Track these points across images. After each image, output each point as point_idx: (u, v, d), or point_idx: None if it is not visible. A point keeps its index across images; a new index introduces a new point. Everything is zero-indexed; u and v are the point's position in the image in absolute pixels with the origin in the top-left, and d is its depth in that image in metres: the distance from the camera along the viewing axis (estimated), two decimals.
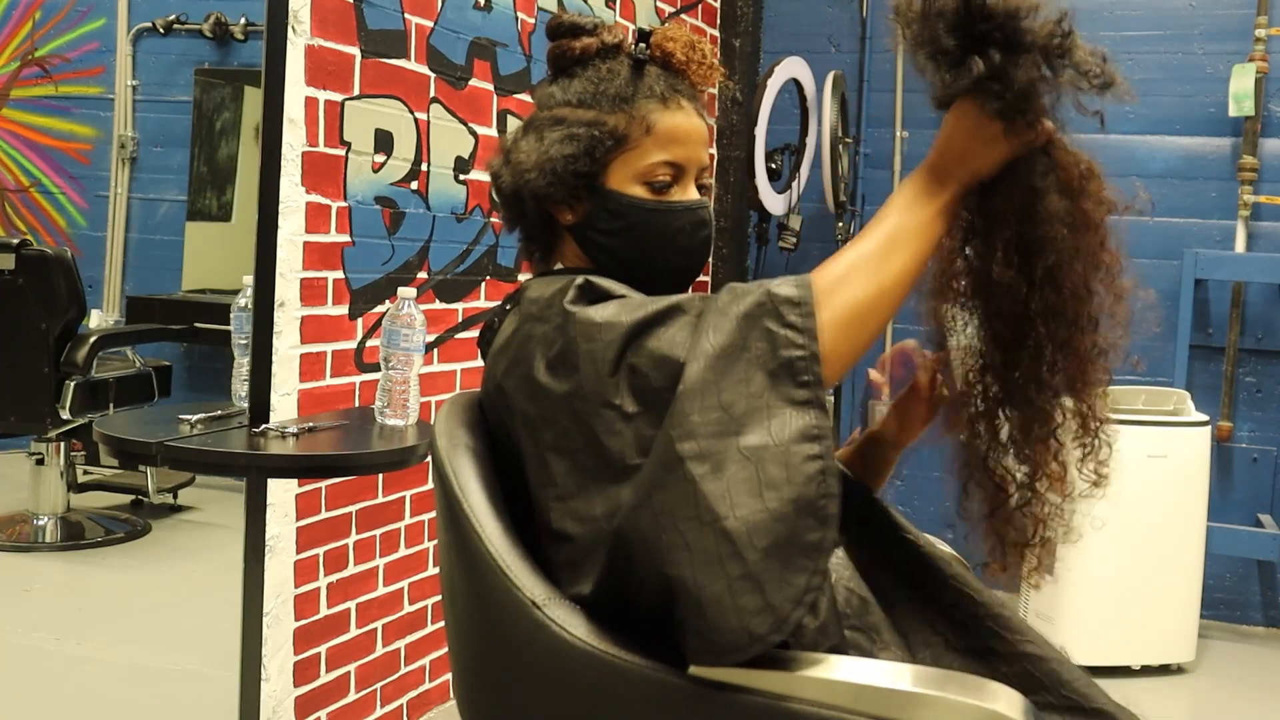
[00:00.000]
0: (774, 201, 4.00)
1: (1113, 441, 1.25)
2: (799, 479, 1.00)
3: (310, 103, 2.24)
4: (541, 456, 1.14)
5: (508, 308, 1.28)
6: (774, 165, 4.00)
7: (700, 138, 1.29)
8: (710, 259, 1.42)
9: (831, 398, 3.93)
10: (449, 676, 1.99)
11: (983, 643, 1.32)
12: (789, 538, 0.99)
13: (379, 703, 2.59)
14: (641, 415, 1.07)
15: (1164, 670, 3.37)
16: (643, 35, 1.30)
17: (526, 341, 1.17)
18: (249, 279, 2.12)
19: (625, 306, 1.12)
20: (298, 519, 2.30)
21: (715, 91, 3.99)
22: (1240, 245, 3.76)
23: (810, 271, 1.10)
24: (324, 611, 2.40)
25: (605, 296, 1.16)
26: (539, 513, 1.16)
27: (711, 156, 1.34)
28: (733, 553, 0.98)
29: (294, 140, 2.20)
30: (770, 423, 1.01)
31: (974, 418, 1.25)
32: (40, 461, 3.96)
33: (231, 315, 2.20)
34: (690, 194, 1.29)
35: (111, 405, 3.81)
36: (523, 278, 2.95)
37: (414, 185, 2.58)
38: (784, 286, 1.06)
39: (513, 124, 2.90)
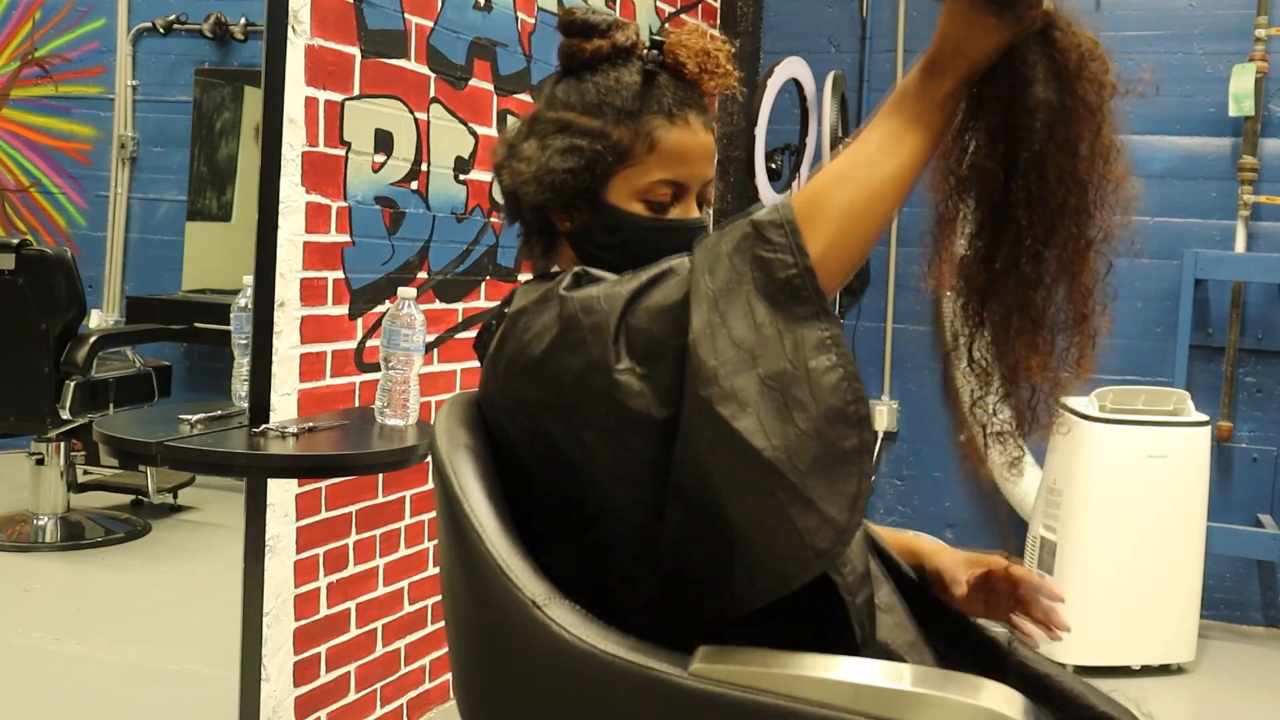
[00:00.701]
0: (774, 201, 4.00)
1: (1098, 336, 1.22)
2: (823, 392, 1.00)
3: (310, 103, 2.24)
4: (577, 435, 1.12)
5: (505, 309, 1.28)
6: (774, 165, 4.00)
7: (706, 154, 1.28)
8: None
9: None
10: (449, 676, 1.99)
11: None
12: (828, 450, 1.00)
13: (379, 703, 2.60)
14: (656, 369, 1.07)
15: (1164, 670, 3.37)
16: (655, 44, 1.28)
17: (524, 334, 1.16)
18: (249, 279, 2.12)
19: (620, 280, 1.12)
20: (298, 519, 2.30)
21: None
22: (1240, 245, 3.76)
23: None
24: (324, 611, 2.40)
25: (599, 281, 1.15)
26: (569, 499, 1.15)
27: (715, 169, 1.33)
28: (780, 481, 0.99)
29: (294, 140, 2.20)
30: (784, 346, 1.02)
31: (960, 307, 1.23)
32: (40, 461, 3.96)
33: (231, 315, 2.20)
34: (690, 212, 1.27)
35: (111, 405, 3.81)
36: (523, 278, 2.96)
37: (414, 185, 2.58)
38: (765, 211, 1.06)
39: (513, 124, 2.89)
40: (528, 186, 1.24)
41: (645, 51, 1.27)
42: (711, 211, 1.34)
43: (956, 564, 1.41)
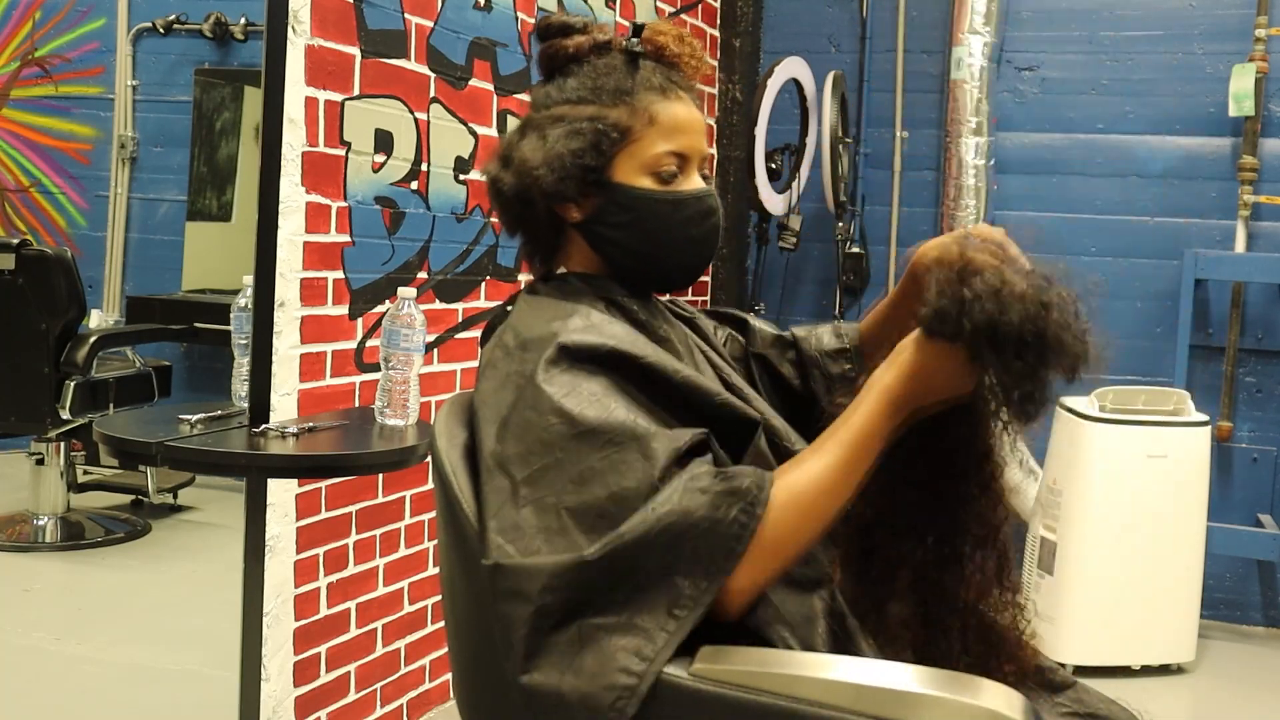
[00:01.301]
0: (774, 201, 4.00)
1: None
2: (603, 682, 1.03)
3: (310, 103, 2.24)
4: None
5: (509, 309, 1.28)
6: (774, 165, 4.00)
7: (700, 127, 1.29)
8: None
9: None
10: (449, 676, 1.99)
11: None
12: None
13: (379, 703, 2.59)
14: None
15: (1164, 670, 3.37)
16: (635, 30, 1.30)
17: (497, 379, 1.18)
18: (249, 279, 2.12)
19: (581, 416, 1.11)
20: (298, 519, 2.30)
21: (715, 91, 3.99)
22: (1240, 245, 3.76)
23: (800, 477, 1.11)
24: (324, 611, 2.40)
25: (586, 358, 1.14)
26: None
27: (711, 156, 1.34)
28: (503, 697, 1.04)
29: (294, 140, 2.20)
30: (620, 623, 1.04)
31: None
32: (40, 461, 3.96)
33: (231, 315, 2.20)
34: (696, 183, 1.29)
35: (111, 405, 3.81)
36: (523, 278, 2.96)
37: (414, 185, 2.58)
38: (734, 538, 1.05)
39: (513, 124, 2.89)
40: (539, 171, 1.24)
41: (626, 40, 1.30)
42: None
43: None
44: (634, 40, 1.29)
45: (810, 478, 1.11)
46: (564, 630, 1.04)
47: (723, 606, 1.07)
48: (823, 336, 1.48)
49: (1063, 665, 1.40)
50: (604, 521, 1.05)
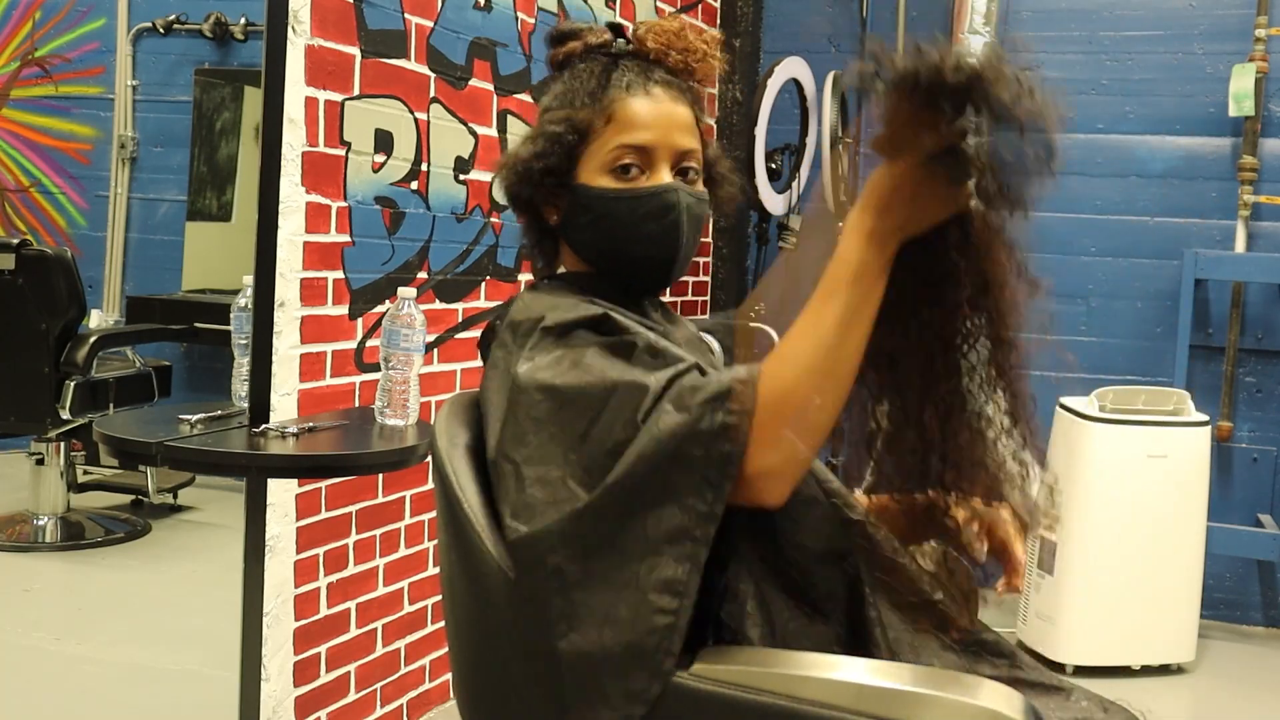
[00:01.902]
0: (774, 201, 4.00)
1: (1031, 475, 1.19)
2: (643, 627, 1.02)
3: (310, 103, 2.24)
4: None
5: (508, 309, 1.29)
6: (774, 165, 4.00)
7: (674, 121, 1.26)
8: (711, 257, 1.42)
9: None
10: (449, 676, 1.99)
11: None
12: (611, 678, 1.01)
13: (379, 703, 2.59)
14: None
15: (1164, 670, 3.36)
16: (614, 30, 1.31)
17: (496, 379, 1.19)
18: (249, 279, 2.12)
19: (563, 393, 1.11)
20: (298, 519, 2.30)
21: (715, 91, 3.99)
22: (1240, 245, 3.76)
23: (772, 359, 1.06)
24: (324, 611, 2.40)
25: (565, 330, 1.15)
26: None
27: (699, 149, 1.32)
28: (553, 670, 1.02)
29: (294, 140, 2.20)
30: (643, 563, 1.03)
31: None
32: (40, 461, 3.96)
33: (231, 315, 2.20)
34: (662, 178, 1.25)
35: (111, 405, 3.81)
36: (523, 278, 2.96)
37: (414, 185, 2.58)
38: (719, 440, 1.02)
39: (513, 124, 2.90)
40: (501, 173, 1.28)
41: (613, 41, 1.30)
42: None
43: None
44: (619, 41, 1.30)
45: (800, 334, 1.06)
46: (588, 586, 1.03)
47: (758, 496, 1.04)
48: None
49: (1063, 665, 1.40)
50: (601, 473, 1.05)
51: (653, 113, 1.25)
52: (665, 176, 1.25)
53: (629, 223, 1.24)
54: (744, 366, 1.07)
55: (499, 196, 1.32)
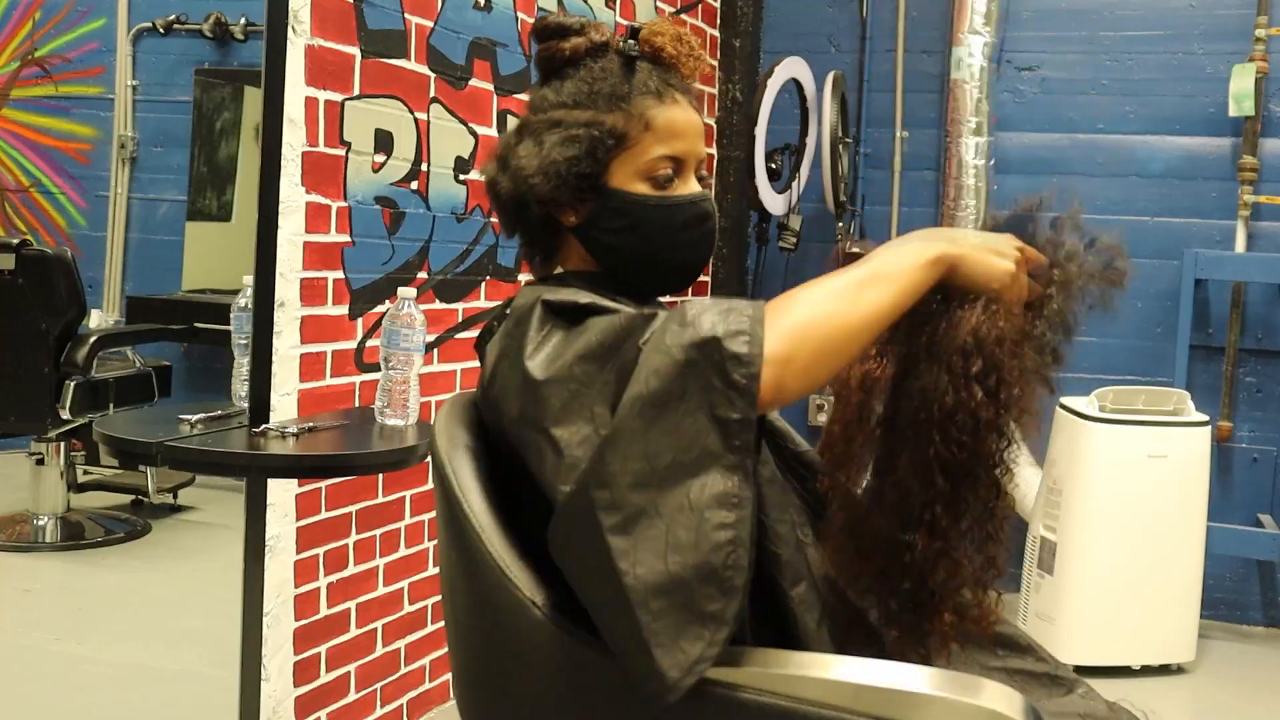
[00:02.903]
0: (774, 201, 4.00)
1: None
2: (707, 546, 0.98)
3: (310, 103, 2.24)
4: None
5: (508, 310, 1.28)
6: (774, 165, 4.00)
7: (697, 131, 1.29)
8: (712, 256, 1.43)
9: None
10: (449, 676, 1.99)
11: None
12: (687, 604, 0.98)
13: (379, 703, 2.60)
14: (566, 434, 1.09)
15: (1164, 670, 3.37)
16: (632, 32, 1.30)
17: (501, 359, 1.19)
18: (249, 279, 2.12)
19: (569, 343, 1.11)
20: (298, 519, 2.30)
21: (715, 91, 3.99)
22: (1240, 245, 3.76)
23: (793, 289, 1.08)
24: (324, 611, 2.40)
25: (567, 310, 1.15)
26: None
27: (710, 156, 1.34)
28: (627, 611, 0.98)
29: (294, 140, 2.20)
30: (692, 482, 0.99)
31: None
32: (40, 461, 3.96)
33: (231, 315, 2.20)
34: (691, 187, 1.29)
35: (111, 405, 3.81)
36: (523, 278, 2.96)
37: (414, 185, 2.58)
38: (735, 340, 1.00)
39: (513, 124, 2.89)
40: (534, 179, 1.24)
41: (623, 42, 1.30)
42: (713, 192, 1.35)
43: None
44: (631, 43, 1.29)
45: (821, 294, 1.08)
46: (643, 518, 0.99)
47: (779, 394, 1.03)
48: None
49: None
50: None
51: (685, 122, 1.28)
52: (693, 185, 1.29)
53: (668, 230, 1.27)
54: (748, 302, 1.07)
55: (504, 190, 1.28)
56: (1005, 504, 1.18)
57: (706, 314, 1.03)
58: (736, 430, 1.00)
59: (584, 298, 1.16)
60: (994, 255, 1.14)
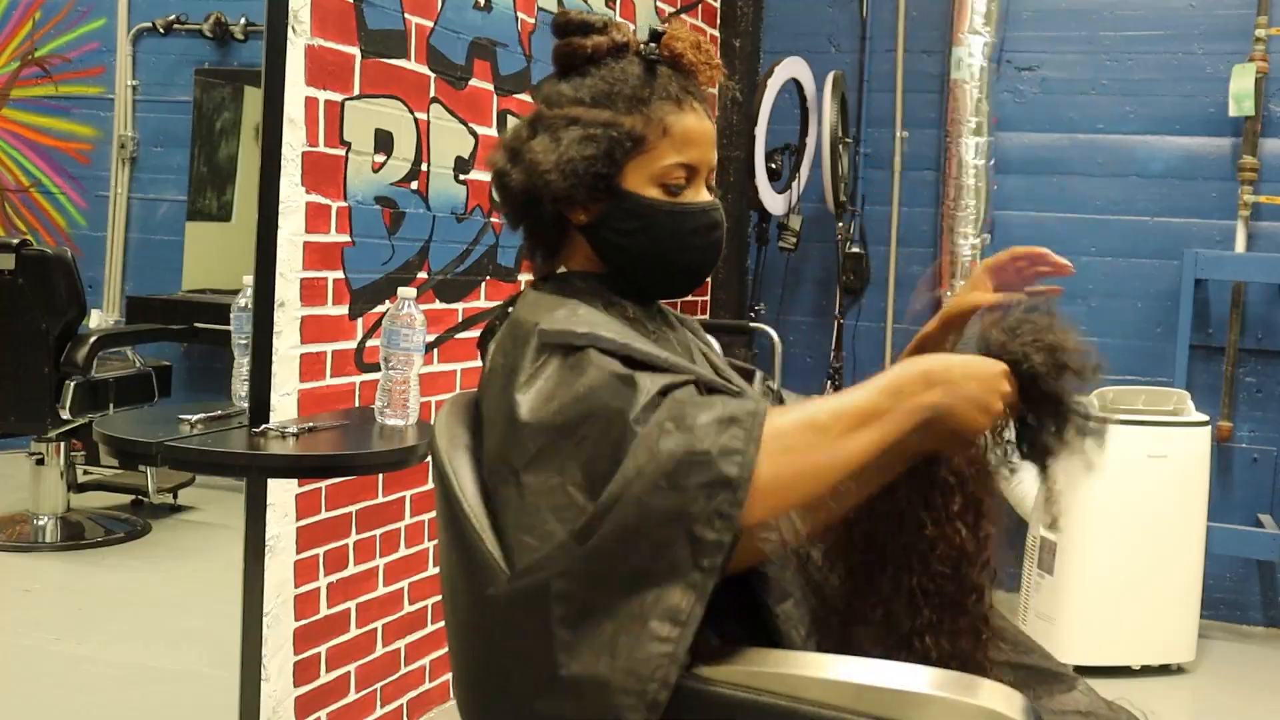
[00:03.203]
0: (774, 201, 4.00)
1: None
2: (641, 655, 1.01)
3: (310, 103, 2.24)
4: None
5: (509, 310, 1.28)
6: (774, 165, 4.00)
7: (710, 139, 1.30)
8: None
9: None
10: (449, 676, 1.99)
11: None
12: (608, 708, 1.02)
13: (379, 703, 2.59)
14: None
15: (1164, 670, 3.37)
16: (653, 35, 1.29)
17: (493, 375, 1.20)
18: (249, 279, 2.12)
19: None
20: (298, 519, 2.30)
21: (715, 91, 3.98)
22: (1240, 245, 3.76)
23: (798, 405, 1.11)
24: (324, 611, 2.40)
25: (564, 345, 1.15)
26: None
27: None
28: (555, 693, 1.03)
29: (294, 140, 2.20)
30: (650, 591, 1.02)
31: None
32: (40, 461, 3.96)
33: (231, 315, 2.20)
34: (702, 195, 1.30)
35: (111, 405, 3.81)
36: (523, 278, 2.96)
37: (414, 185, 2.58)
38: (728, 460, 1.01)
39: (520, 118, 2.89)
40: (550, 175, 1.23)
41: (644, 45, 1.29)
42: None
43: (974, 291, 1.45)
44: (652, 46, 1.29)
45: (805, 414, 1.09)
46: (593, 617, 1.03)
47: (758, 519, 1.04)
48: None
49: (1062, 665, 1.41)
50: (602, 481, 1.05)
51: (700, 131, 1.28)
52: (704, 193, 1.30)
53: (678, 235, 1.27)
54: (750, 400, 1.09)
55: (514, 183, 1.27)
56: (990, 634, 1.22)
57: (703, 420, 1.04)
58: (709, 551, 1.01)
59: (581, 327, 1.15)
60: (979, 411, 1.12)
